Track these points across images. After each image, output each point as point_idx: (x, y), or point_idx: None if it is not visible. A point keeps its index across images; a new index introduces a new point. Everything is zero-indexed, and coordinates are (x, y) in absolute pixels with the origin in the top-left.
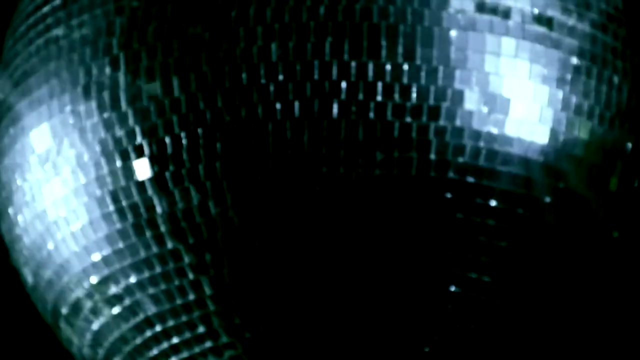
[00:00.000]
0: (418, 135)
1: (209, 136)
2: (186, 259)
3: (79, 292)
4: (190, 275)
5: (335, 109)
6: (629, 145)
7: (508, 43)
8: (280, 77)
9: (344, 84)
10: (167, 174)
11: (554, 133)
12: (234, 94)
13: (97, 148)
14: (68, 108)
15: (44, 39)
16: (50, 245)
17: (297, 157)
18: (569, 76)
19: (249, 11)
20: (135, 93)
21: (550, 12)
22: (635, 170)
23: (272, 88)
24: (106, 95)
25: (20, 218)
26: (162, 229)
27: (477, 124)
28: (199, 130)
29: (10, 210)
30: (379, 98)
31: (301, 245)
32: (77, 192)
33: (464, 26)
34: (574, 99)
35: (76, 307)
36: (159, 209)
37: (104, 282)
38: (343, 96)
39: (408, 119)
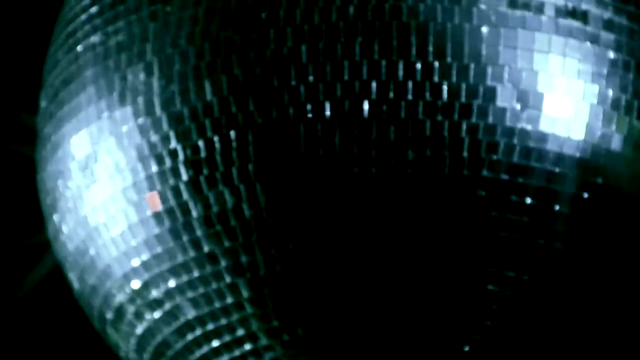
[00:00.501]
0: (450, 134)
1: (242, 139)
2: (222, 262)
3: (121, 297)
4: (227, 279)
5: (366, 108)
6: None
7: (541, 38)
8: (311, 78)
9: (374, 84)
10: (202, 178)
11: (590, 128)
12: (265, 96)
13: (133, 153)
14: (105, 114)
15: (82, 46)
16: (92, 251)
17: (328, 157)
18: (605, 70)
19: (279, 13)
20: (168, 98)
21: (584, 6)
22: None
23: (302, 89)
24: (140, 100)
25: (64, 225)
26: (198, 232)
27: (510, 120)
28: (232, 133)
29: (55, 217)
30: (410, 97)
31: (335, 246)
32: (115, 198)
33: (495, 22)
34: (610, 93)
35: (120, 312)
36: (194, 213)
37: (145, 286)
38: (374, 96)
39: (439, 118)
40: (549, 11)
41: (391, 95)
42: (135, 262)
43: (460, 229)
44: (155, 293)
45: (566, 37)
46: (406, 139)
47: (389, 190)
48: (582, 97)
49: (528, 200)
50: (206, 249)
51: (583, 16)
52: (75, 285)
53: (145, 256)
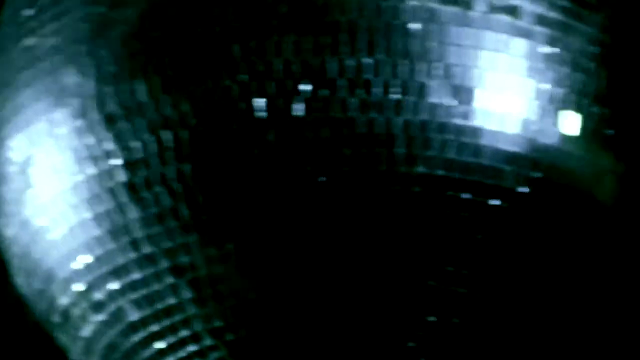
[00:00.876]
0: (386, 130)
1: (177, 139)
2: (163, 263)
3: (65, 300)
4: (168, 280)
5: (299, 107)
6: (610, 131)
7: (470, 34)
8: (244, 77)
9: (307, 83)
10: (138, 179)
11: (525, 123)
12: (198, 96)
13: (71, 156)
14: (42, 117)
15: (18, 49)
16: (35, 255)
17: (263, 157)
18: (539, 65)
19: (212, 11)
20: (103, 99)
21: (516, 1)
22: (619, 154)
23: (235, 88)
24: (76, 102)
25: (7, 228)
26: (137, 234)
27: (443, 116)
28: (167, 134)
29: None
30: (342, 94)
31: (275, 245)
32: (54, 200)
33: (425, 18)
34: (546, 88)
35: (65, 315)
36: (132, 215)
37: (88, 289)
38: (307, 94)
39: (373, 115)
40: (479, 7)
41: (325, 92)
42: (77, 265)
43: (397, 225)
44: (98, 295)
45: (497, 32)
46: (340, 137)
47: (325, 188)
48: (515, 92)
49: (465, 195)
50: (146, 250)
51: (513, 11)
52: (22, 289)
53: (86, 258)
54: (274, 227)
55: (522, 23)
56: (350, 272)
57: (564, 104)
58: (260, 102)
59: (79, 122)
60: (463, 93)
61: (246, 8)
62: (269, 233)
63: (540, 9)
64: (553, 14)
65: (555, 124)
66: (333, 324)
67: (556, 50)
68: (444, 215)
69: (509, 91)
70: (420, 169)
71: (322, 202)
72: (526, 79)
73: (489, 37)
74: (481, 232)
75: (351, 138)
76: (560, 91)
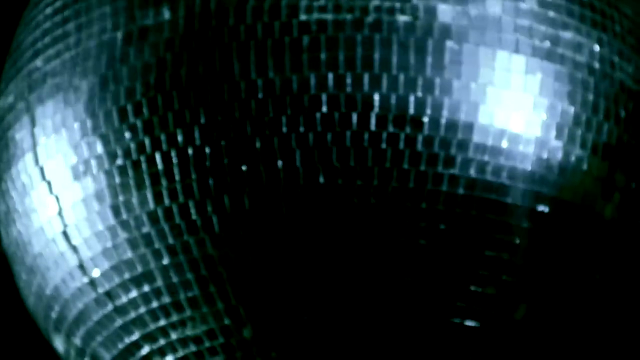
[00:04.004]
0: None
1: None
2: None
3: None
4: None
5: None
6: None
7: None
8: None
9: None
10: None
11: (539, 141)
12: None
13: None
14: (48, 136)
15: (26, 70)
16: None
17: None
18: (551, 83)
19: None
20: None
21: (527, 21)
22: (628, 172)
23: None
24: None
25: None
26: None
27: (461, 134)
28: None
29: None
30: (324, 110)
31: (273, 250)
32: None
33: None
34: (560, 107)
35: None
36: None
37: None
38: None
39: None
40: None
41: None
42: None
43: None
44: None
45: (511, 53)
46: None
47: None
48: (531, 110)
49: (488, 215)
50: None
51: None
52: (27, 299)
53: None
54: (274, 238)
55: (535, 41)
56: (374, 298)
57: (575, 123)
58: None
59: (86, 139)
60: (479, 110)
61: (224, 29)
62: (269, 243)
63: (549, 29)
64: (563, 32)
65: (568, 142)
66: (328, 328)
67: (568, 68)
68: (469, 235)
69: (522, 109)
70: (444, 187)
71: (325, 217)
72: (540, 97)
73: (502, 56)
74: (506, 250)
75: (356, 152)
76: (571, 109)
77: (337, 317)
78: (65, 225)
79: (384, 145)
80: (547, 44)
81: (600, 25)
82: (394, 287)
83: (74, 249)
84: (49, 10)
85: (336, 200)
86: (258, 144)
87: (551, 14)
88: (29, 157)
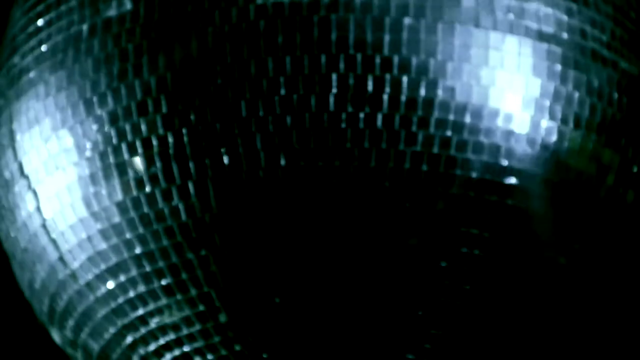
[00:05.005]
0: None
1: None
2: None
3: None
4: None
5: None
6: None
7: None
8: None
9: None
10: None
11: (533, 121)
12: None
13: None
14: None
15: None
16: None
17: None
18: (544, 63)
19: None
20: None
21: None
22: (624, 152)
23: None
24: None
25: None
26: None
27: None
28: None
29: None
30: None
31: (262, 244)
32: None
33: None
34: (552, 88)
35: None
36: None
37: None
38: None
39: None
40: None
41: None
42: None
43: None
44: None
45: (472, 27)
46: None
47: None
48: (521, 91)
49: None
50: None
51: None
52: (25, 290)
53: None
54: (261, 228)
55: (528, 22)
56: (356, 264)
57: (568, 102)
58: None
59: (79, 123)
60: (438, 86)
61: (232, 9)
62: (257, 234)
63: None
64: (557, 12)
65: (562, 121)
66: (318, 330)
67: (560, 49)
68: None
69: (515, 90)
70: (407, 164)
71: (323, 200)
72: (532, 77)
73: (462, 30)
74: (501, 226)
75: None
76: (563, 89)
77: (311, 299)
78: (44, 220)
79: (343, 125)
80: (511, 16)
81: None
82: (361, 266)
83: (54, 242)
84: (25, 7)
85: (299, 183)
86: (219, 129)
87: None
88: (9, 152)
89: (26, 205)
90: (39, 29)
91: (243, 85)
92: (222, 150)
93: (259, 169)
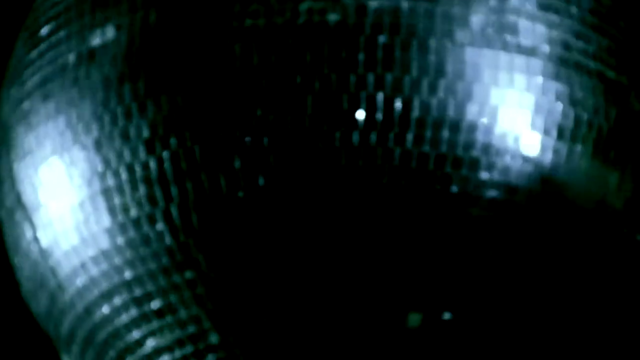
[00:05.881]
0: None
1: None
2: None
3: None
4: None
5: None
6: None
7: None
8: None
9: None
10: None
11: (536, 141)
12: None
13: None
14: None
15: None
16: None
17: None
18: (545, 84)
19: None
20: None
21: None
22: (623, 169)
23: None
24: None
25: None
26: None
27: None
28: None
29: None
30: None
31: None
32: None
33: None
34: (560, 109)
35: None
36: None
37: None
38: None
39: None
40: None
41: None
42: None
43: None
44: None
45: (443, 41)
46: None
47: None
48: (524, 110)
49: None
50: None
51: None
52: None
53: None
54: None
55: (507, 35)
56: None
57: (569, 122)
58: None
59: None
60: (484, 111)
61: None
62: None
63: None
64: (537, 25)
65: (562, 141)
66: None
67: (540, 61)
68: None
69: (517, 109)
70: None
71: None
72: (511, 90)
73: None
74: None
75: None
76: (566, 109)
77: (299, 316)
78: (41, 248)
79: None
80: (489, 31)
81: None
82: (346, 281)
83: (52, 270)
84: (24, 38)
85: (278, 202)
86: (198, 154)
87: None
88: (8, 182)
89: (25, 234)
90: (32, 61)
91: (220, 108)
92: (202, 173)
93: (239, 189)
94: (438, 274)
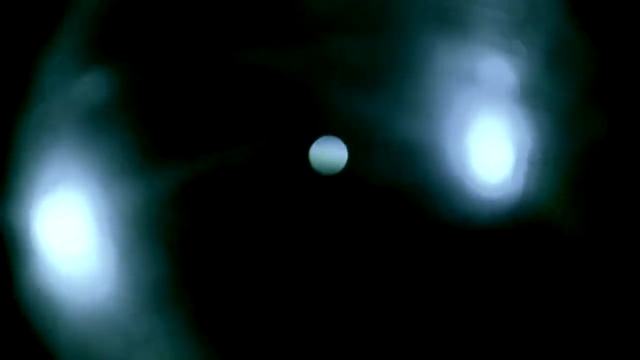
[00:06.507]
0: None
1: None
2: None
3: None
4: None
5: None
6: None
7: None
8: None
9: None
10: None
11: (507, 173)
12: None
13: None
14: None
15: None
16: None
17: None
18: (517, 120)
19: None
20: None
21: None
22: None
23: None
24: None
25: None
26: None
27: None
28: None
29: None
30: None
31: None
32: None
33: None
34: (529, 146)
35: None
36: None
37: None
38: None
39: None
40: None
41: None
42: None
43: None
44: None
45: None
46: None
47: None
48: (498, 145)
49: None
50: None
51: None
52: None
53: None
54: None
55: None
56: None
57: (537, 155)
58: None
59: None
60: (455, 145)
61: None
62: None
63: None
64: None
65: (531, 174)
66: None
67: (531, 100)
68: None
69: (493, 144)
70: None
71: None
72: (507, 132)
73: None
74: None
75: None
76: (535, 144)
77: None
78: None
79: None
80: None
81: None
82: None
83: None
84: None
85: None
86: None
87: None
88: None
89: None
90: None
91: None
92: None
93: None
94: (421, 306)
